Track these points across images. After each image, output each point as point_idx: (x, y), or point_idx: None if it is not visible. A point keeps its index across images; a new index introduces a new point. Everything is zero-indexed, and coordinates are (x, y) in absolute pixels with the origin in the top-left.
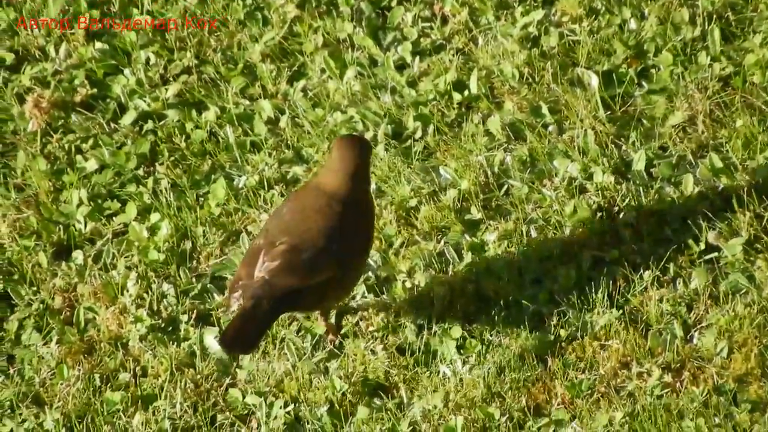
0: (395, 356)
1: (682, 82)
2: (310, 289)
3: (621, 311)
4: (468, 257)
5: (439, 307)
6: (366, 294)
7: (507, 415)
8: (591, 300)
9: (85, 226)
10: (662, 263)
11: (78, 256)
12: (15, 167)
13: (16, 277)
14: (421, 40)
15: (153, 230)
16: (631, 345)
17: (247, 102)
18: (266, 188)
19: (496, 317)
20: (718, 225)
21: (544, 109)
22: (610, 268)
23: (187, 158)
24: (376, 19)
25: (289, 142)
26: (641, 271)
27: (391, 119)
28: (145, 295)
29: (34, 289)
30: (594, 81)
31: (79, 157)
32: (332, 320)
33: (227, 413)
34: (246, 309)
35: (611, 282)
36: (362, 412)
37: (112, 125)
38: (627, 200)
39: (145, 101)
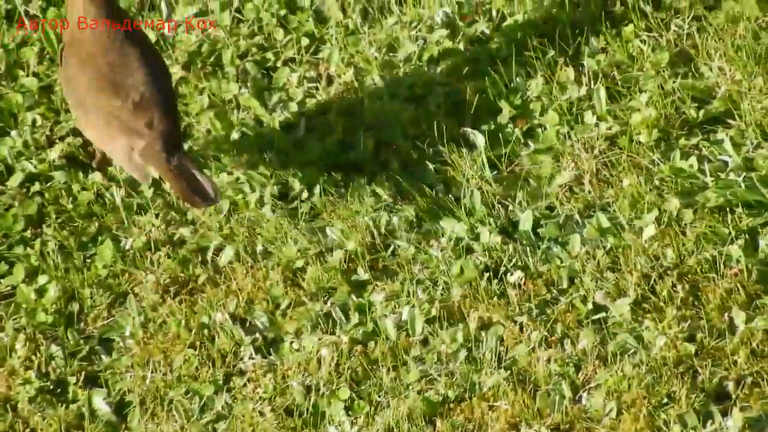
0: (283, 418)
1: (569, 141)
2: None
3: (509, 372)
4: (355, 318)
5: (326, 368)
6: (253, 355)
7: None
8: (479, 360)
9: None
10: (550, 323)
11: None
12: None
13: None
14: (307, 100)
15: (41, 292)
16: (520, 406)
17: None
18: (153, 250)
19: (383, 378)
20: (605, 285)
21: (430, 168)
22: (497, 328)
23: (74, 220)
24: (262, 79)
25: (174, 203)
26: (529, 331)
27: (277, 180)
28: (33, 356)
29: None
30: (480, 140)
31: None
32: None
33: None
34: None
35: (498, 342)
36: None
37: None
38: (514, 260)
39: (31, 163)
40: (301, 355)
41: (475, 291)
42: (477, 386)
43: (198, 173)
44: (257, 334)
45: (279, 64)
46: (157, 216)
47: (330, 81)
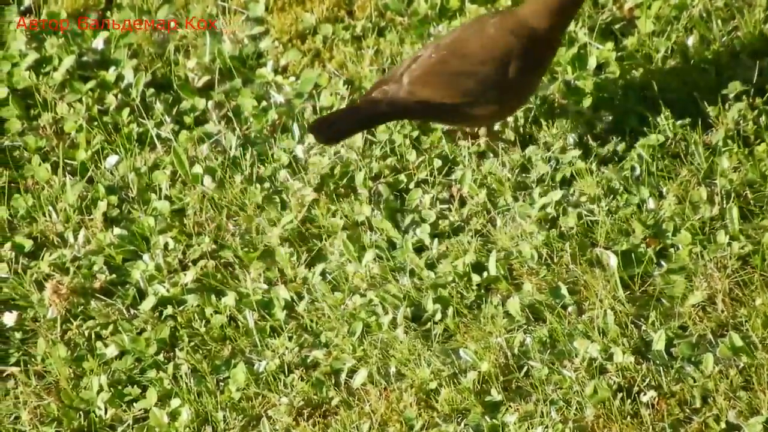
0: None
1: (701, 261)
2: (452, 108)
3: None
4: None
5: None
6: None
7: None
8: None
9: (106, 413)
10: None
11: None
12: (35, 354)
13: None
14: (440, 221)
15: (174, 416)
16: None
17: (266, 286)
18: (286, 372)
19: None
20: (738, 404)
21: (564, 290)
22: None
23: (207, 343)
24: (394, 201)
25: (308, 326)
26: None
27: (411, 302)
28: None
29: None
30: (613, 261)
31: (99, 344)
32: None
33: None
34: (358, 104)
35: None
36: None
37: (132, 311)
38: (647, 380)
39: (164, 286)
40: None
41: (609, 411)
42: None
43: None
44: None
45: (412, 185)
46: (290, 338)
47: (463, 202)
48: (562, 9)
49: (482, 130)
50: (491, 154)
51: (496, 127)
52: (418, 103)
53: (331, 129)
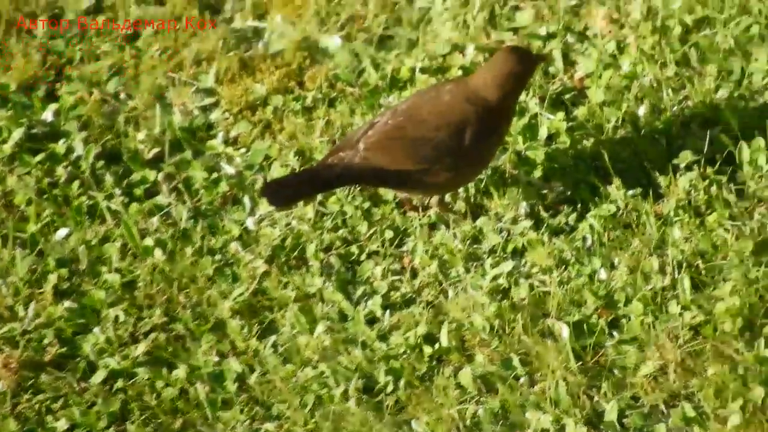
0: None
1: (653, 331)
2: (404, 174)
3: None
4: None
5: None
6: None
7: None
8: None
9: None
10: None
11: None
12: None
13: None
14: (391, 293)
15: None
16: None
17: (218, 358)
18: None
19: None
20: None
21: (516, 361)
22: None
23: (158, 416)
24: (346, 272)
25: (259, 398)
26: None
27: (362, 373)
28: None
29: None
30: (565, 332)
31: (49, 417)
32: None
33: None
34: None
35: None
36: None
37: (83, 384)
38: None
39: (114, 359)
40: None
41: None
42: None
43: None
44: None
45: (363, 257)
46: (241, 411)
47: (414, 273)
48: (506, 82)
49: (433, 200)
50: (443, 225)
51: (447, 198)
52: (373, 169)
53: (283, 193)
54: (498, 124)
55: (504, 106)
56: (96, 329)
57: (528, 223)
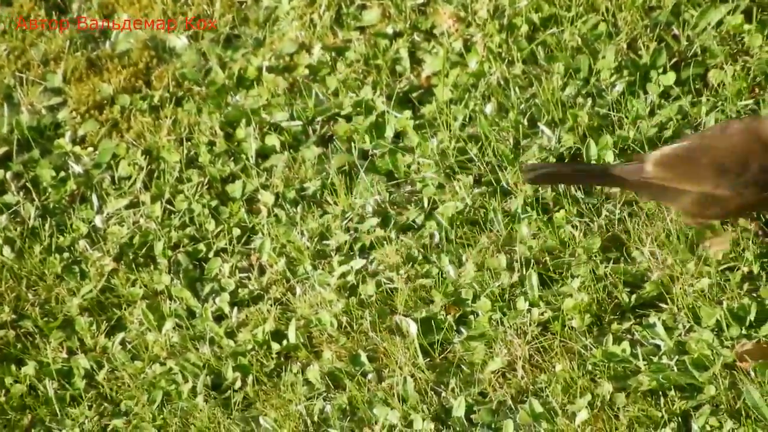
0: None
1: (501, 327)
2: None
3: None
4: None
5: None
6: None
7: None
8: None
9: None
10: None
11: None
12: None
13: None
14: (239, 290)
15: None
16: None
17: (66, 355)
18: None
19: None
20: None
21: (363, 357)
22: None
23: (6, 412)
24: (194, 270)
25: (108, 394)
26: None
27: (210, 370)
28: None
29: None
30: (413, 328)
31: None
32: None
33: None
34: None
35: None
36: None
37: None
38: None
39: None
40: None
41: None
42: None
43: None
44: None
45: (211, 254)
46: (90, 407)
47: (262, 271)
48: None
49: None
50: (290, 223)
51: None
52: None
53: (546, 174)
54: None
55: None
56: None
57: (375, 220)
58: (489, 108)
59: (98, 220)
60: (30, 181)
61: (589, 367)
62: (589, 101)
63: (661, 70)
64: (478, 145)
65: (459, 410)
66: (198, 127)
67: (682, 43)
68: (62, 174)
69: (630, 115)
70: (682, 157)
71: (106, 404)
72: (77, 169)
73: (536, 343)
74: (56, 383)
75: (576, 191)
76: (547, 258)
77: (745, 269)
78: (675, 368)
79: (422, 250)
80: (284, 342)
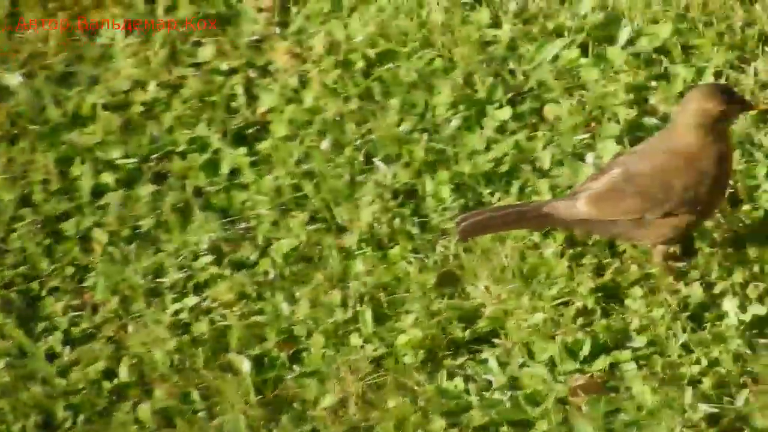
0: None
1: (334, 364)
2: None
3: None
4: None
5: None
6: None
7: None
8: None
9: None
10: None
11: None
12: None
13: None
14: (72, 328)
15: None
16: None
17: None
18: None
19: None
20: None
21: (195, 395)
22: None
23: None
24: (26, 308)
25: None
26: None
27: (41, 409)
28: None
29: None
30: (246, 366)
31: None
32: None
33: None
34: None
35: None
36: None
37: None
38: None
39: None
40: None
41: None
42: None
43: None
44: None
45: (44, 293)
46: None
47: (95, 309)
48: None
49: None
50: None
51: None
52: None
53: (478, 224)
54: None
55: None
56: None
57: (210, 257)
58: (325, 144)
59: None
60: None
61: (422, 403)
62: (425, 136)
63: (497, 105)
64: (314, 181)
65: None
66: (32, 165)
67: (518, 78)
68: None
69: (466, 150)
70: (610, 191)
71: None
72: None
73: (369, 380)
74: None
75: (411, 227)
76: (382, 294)
77: (579, 304)
78: (508, 403)
79: (256, 288)
80: (115, 380)
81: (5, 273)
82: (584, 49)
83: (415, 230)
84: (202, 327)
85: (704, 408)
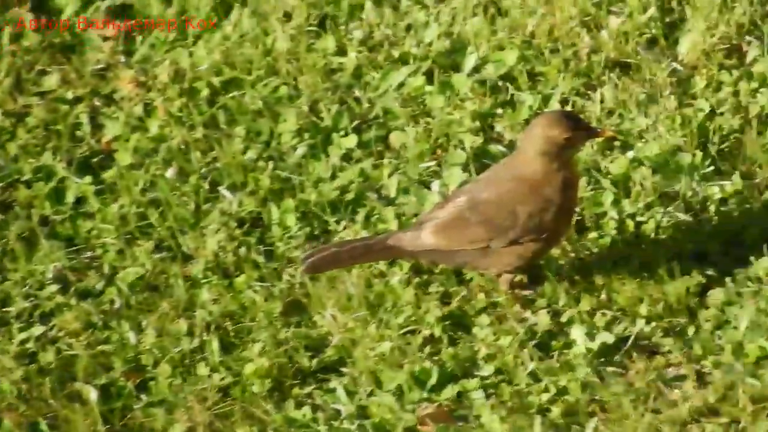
0: None
1: (182, 393)
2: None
3: None
4: None
5: None
6: None
7: None
8: None
9: None
10: None
11: None
12: None
13: None
14: None
15: None
16: None
17: None
18: None
19: None
20: None
21: (43, 425)
22: None
23: None
24: None
25: None
26: None
27: None
28: None
29: None
30: (93, 395)
31: None
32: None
33: None
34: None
35: None
36: None
37: None
38: None
39: None
40: None
41: None
42: None
43: None
44: None
45: None
46: None
47: None
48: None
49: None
50: None
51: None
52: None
53: (324, 259)
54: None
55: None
56: None
57: (56, 287)
58: (170, 172)
59: None
60: None
61: None
62: (271, 164)
63: (342, 133)
64: (159, 210)
65: None
66: None
67: (363, 106)
68: None
69: (311, 178)
70: (455, 219)
71: None
72: None
73: (217, 409)
74: None
75: (257, 256)
76: (228, 323)
77: (426, 332)
78: None
79: (102, 317)
80: None
81: None
82: (430, 77)
83: (260, 259)
84: (48, 356)
85: None
